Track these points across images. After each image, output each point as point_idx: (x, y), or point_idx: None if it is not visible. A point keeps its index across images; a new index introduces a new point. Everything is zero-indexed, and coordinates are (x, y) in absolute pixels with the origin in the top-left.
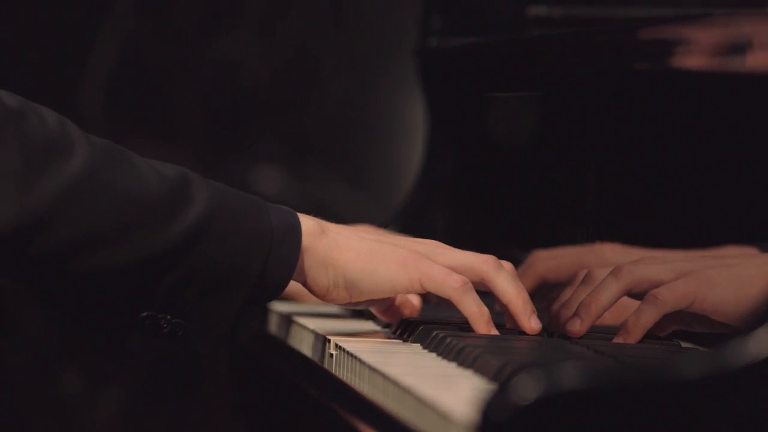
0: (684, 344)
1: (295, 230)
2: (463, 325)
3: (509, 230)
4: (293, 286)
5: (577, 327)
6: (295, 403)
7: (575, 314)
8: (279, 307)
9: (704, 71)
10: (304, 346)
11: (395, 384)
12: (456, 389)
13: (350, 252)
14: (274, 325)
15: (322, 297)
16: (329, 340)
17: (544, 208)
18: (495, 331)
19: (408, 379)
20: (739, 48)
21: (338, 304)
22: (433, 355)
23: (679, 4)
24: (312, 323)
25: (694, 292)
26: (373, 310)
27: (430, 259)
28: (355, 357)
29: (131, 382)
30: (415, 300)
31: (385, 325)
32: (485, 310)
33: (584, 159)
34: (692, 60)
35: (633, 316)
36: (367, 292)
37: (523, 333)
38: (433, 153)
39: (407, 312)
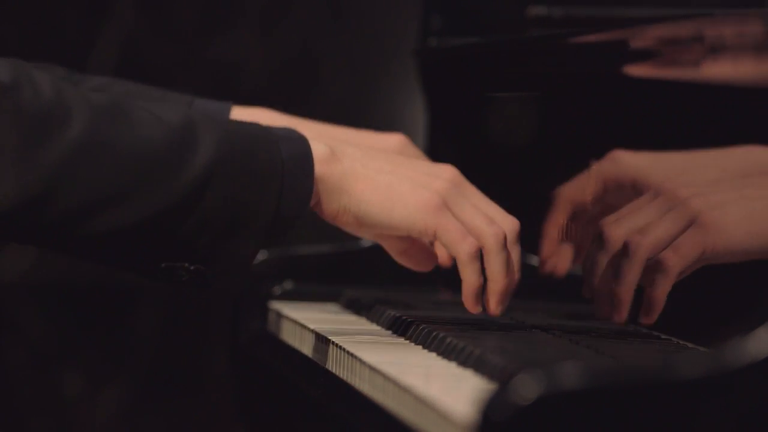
0: (684, 344)
1: (308, 159)
2: (464, 326)
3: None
4: None
5: (622, 317)
6: (295, 402)
7: (614, 308)
8: (278, 306)
9: (704, 71)
10: (305, 346)
11: (395, 384)
12: (456, 389)
13: (367, 182)
14: (274, 325)
15: (331, 220)
16: (329, 340)
17: (544, 208)
18: (475, 309)
19: (408, 378)
20: (740, 48)
21: (346, 230)
22: (434, 354)
23: (679, 4)
24: (312, 323)
25: (701, 242)
26: (385, 246)
27: (449, 207)
28: (356, 357)
29: (131, 382)
30: (446, 258)
31: (386, 326)
32: (480, 284)
33: (584, 159)
34: (692, 60)
35: (648, 290)
36: (379, 228)
37: (524, 332)
38: (433, 153)
39: (431, 264)
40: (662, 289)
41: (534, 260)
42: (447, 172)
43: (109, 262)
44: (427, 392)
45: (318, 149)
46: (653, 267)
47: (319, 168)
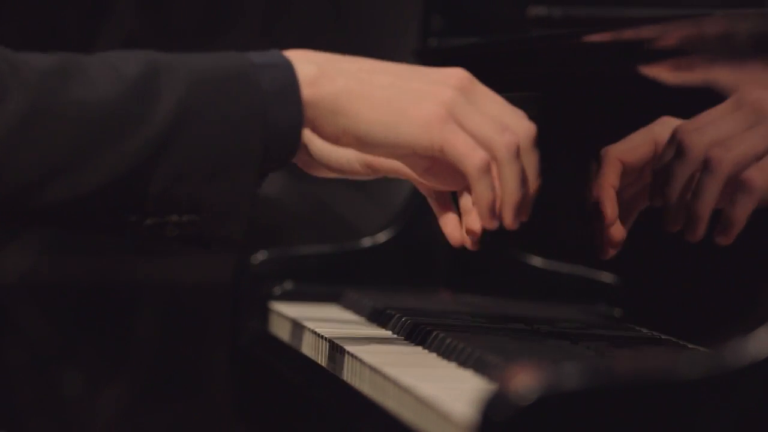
0: (684, 344)
1: (293, 86)
2: (464, 326)
3: (508, 230)
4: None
5: (696, 235)
6: (294, 402)
7: (690, 224)
8: (278, 307)
9: (704, 71)
10: (304, 346)
11: (395, 384)
12: (456, 389)
13: (365, 101)
14: (274, 325)
15: (334, 143)
16: (329, 340)
17: (544, 208)
18: (492, 224)
19: (408, 379)
20: (740, 48)
21: (357, 151)
22: (434, 355)
23: (679, 4)
24: (312, 324)
25: None
26: (406, 164)
27: (456, 118)
28: (356, 357)
29: (131, 382)
30: (475, 225)
31: (386, 326)
32: (493, 198)
33: (584, 159)
34: (692, 60)
35: (728, 209)
36: (382, 149)
37: (524, 333)
38: None
39: (460, 182)
40: (744, 210)
41: (534, 261)
42: (453, 77)
43: (82, 227)
44: (427, 393)
45: (305, 71)
46: (735, 185)
47: (309, 91)
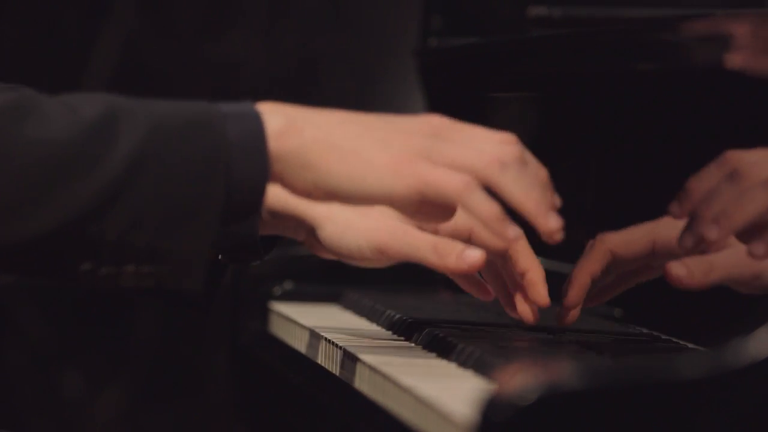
0: (684, 344)
1: (259, 137)
2: (464, 326)
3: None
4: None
5: (714, 234)
6: (294, 403)
7: (714, 220)
8: (278, 307)
9: (705, 71)
10: (304, 346)
11: (395, 384)
12: (456, 389)
13: (333, 153)
14: (274, 325)
15: (306, 199)
16: (328, 340)
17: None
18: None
19: (408, 379)
20: (740, 48)
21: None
22: (434, 355)
23: (679, 4)
24: (311, 322)
25: None
26: (397, 210)
27: (429, 159)
28: (355, 357)
29: (131, 382)
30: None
31: (386, 326)
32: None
33: (584, 159)
34: (692, 60)
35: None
36: (357, 201)
37: (525, 333)
38: None
39: (450, 212)
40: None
41: None
42: (426, 124)
43: (32, 273)
44: (427, 393)
45: (272, 123)
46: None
47: (276, 144)
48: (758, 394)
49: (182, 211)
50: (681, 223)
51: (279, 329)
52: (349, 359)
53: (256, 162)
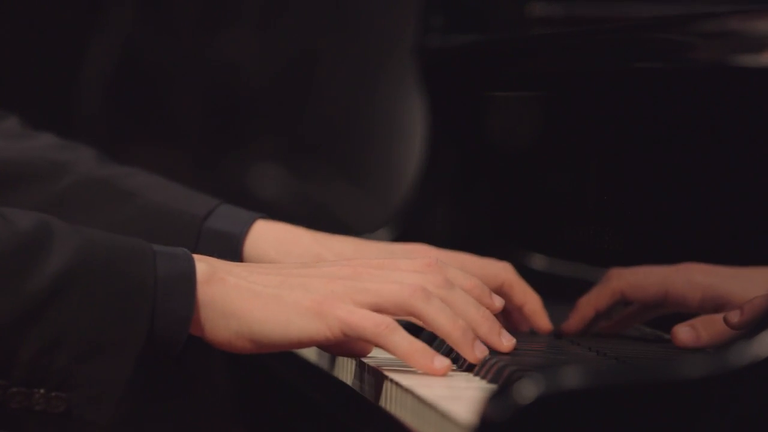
0: None
1: (188, 279)
2: None
3: (509, 230)
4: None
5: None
6: (294, 404)
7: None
8: None
9: (706, 70)
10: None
11: (395, 385)
12: (456, 389)
13: (255, 300)
14: None
15: (226, 349)
16: None
17: (545, 208)
18: (438, 362)
19: (408, 380)
20: (741, 46)
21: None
22: None
23: (680, 2)
24: None
25: None
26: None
27: (350, 299)
28: (355, 358)
29: (131, 383)
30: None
31: None
32: (418, 343)
33: (585, 158)
34: (694, 58)
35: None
36: (283, 347)
37: (525, 333)
38: (433, 152)
39: (370, 346)
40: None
41: (535, 260)
42: (346, 267)
43: None
44: (426, 393)
45: (200, 269)
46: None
47: (202, 290)
48: (759, 395)
49: (102, 340)
50: (696, 274)
51: None
52: (348, 360)
53: (183, 300)
